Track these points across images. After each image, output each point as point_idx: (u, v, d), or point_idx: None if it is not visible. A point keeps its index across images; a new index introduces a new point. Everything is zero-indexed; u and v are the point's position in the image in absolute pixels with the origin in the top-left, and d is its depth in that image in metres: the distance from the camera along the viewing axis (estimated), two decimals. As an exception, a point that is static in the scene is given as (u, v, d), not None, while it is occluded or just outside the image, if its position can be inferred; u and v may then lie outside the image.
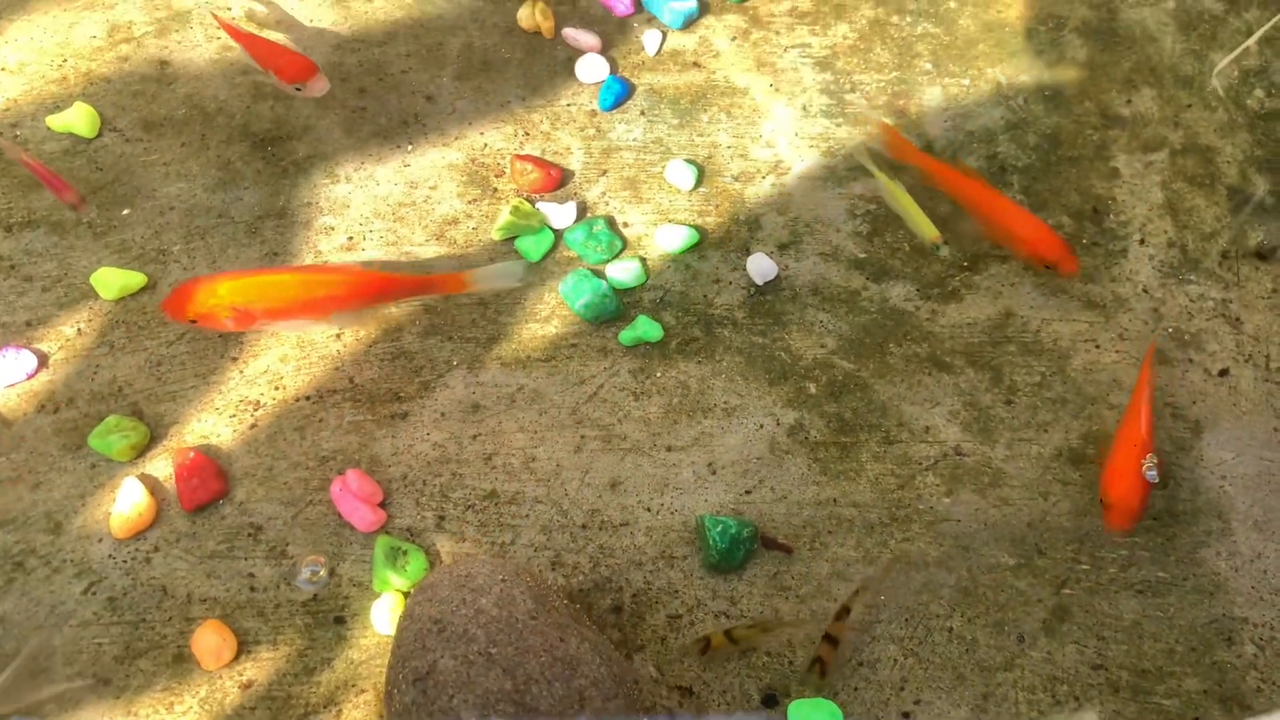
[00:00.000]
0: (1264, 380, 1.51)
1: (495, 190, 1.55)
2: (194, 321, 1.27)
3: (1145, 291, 1.56)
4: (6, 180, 1.47)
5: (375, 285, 1.34)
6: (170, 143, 1.52)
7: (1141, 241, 1.60)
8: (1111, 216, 1.61)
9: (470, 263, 1.48)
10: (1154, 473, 1.40)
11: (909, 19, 1.75)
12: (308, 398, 1.39)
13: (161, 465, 1.33)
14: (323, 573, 1.26)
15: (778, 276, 1.53)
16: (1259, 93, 1.74)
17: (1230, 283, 1.58)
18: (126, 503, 1.28)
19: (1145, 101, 1.71)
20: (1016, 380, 1.48)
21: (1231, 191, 1.65)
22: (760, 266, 1.52)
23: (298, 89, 1.47)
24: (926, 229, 1.46)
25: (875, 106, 1.65)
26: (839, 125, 1.65)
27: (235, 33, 1.52)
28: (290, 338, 1.41)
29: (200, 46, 1.60)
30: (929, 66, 1.71)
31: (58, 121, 1.50)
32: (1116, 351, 1.51)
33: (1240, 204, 1.64)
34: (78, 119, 1.50)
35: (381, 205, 1.52)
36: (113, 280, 1.40)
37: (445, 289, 1.38)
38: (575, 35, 1.66)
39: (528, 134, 1.59)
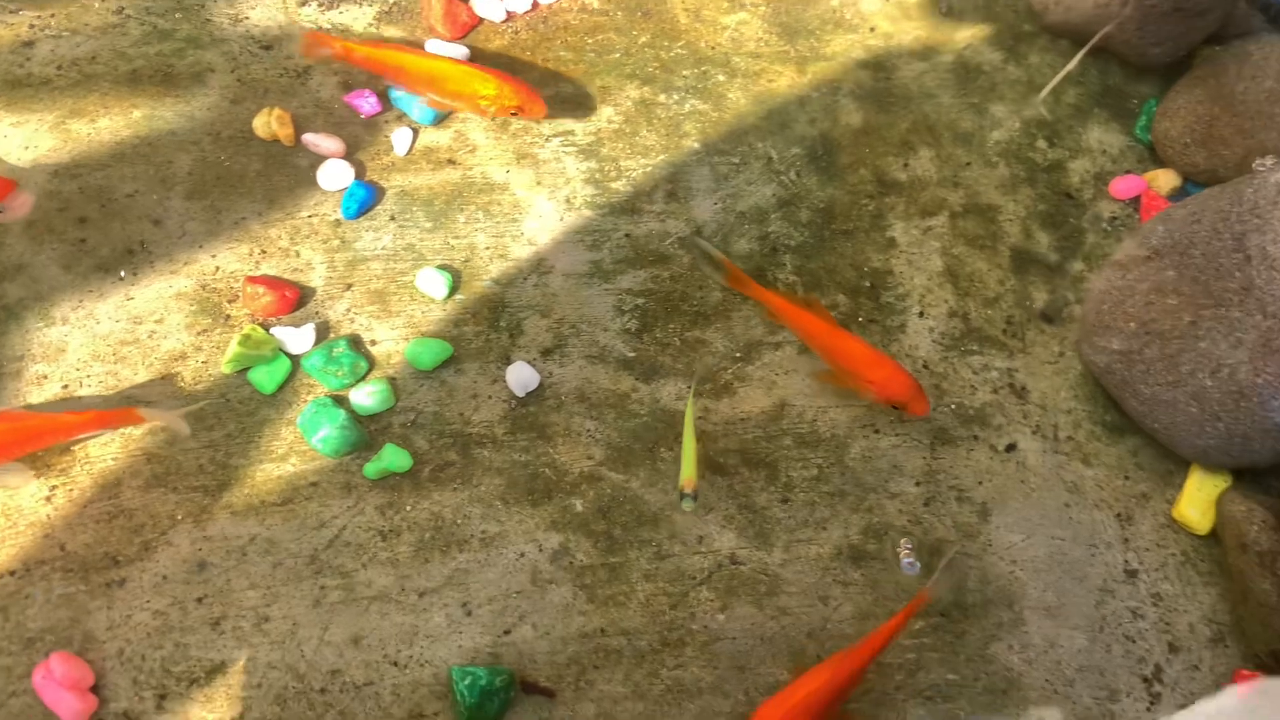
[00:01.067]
0: (1053, 452, 1.44)
1: (229, 318, 1.43)
2: None
3: (926, 367, 1.48)
4: None
5: (34, 429, 1.25)
6: None
7: (921, 314, 1.52)
8: (889, 290, 1.53)
9: (197, 400, 1.36)
10: (911, 560, 1.32)
11: (676, 97, 1.67)
12: (12, 573, 1.25)
13: None
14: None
15: (541, 385, 1.43)
16: (1041, 143, 1.69)
17: (1015, 350, 1.51)
18: None
19: (923, 164, 1.65)
20: (793, 476, 1.39)
21: (1015, 252, 1.59)
22: (521, 376, 1.42)
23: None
24: (686, 471, 1.30)
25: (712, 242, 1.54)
26: (605, 216, 1.56)
27: None
28: (-5, 505, 1.28)
29: (-102, 186, 1.46)
30: (697, 146, 1.63)
31: None
32: (896, 435, 1.43)
33: (1023, 264, 1.57)
34: None
35: (101, 346, 1.39)
36: None
37: (114, 424, 1.30)
38: (316, 141, 1.55)
39: (265, 252, 1.48)
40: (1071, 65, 1.67)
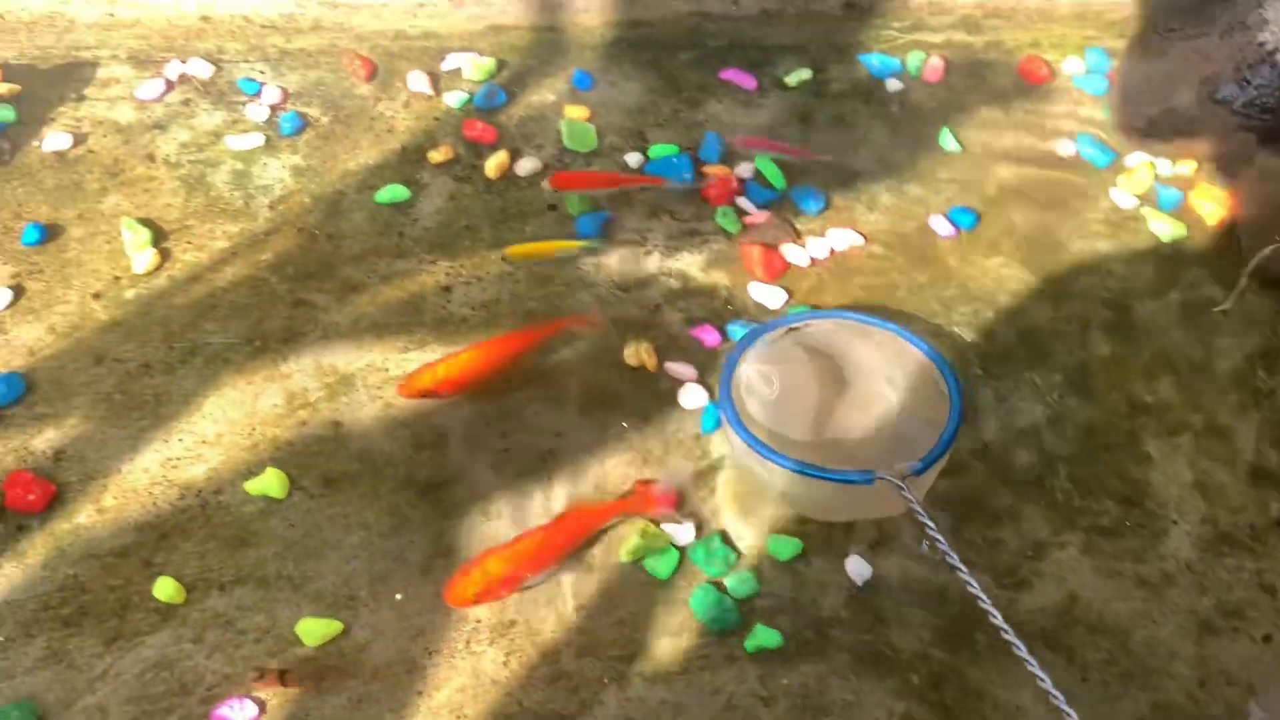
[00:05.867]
0: (1304, 642, 1.67)
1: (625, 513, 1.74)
2: (477, 601, 1.59)
3: (1188, 568, 1.73)
4: (216, 541, 1.66)
5: (598, 515, 1.70)
6: (348, 495, 1.72)
7: (1176, 521, 1.78)
8: (1150, 499, 1.79)
9: (607, 589, 1.66)
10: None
11: (955, 330, 1.97)
12: (486, 724, 1.55)
13: (370, 797, 1.49)
14: None
15: (873, 576, 1.70)
16: (1261, 373, 1.95)
17: (1260, 553, 1.75)
18: (345, 837, 1.43)
19: (1166, 389, 1.92)
20: (1088, 658, 1.64)
21: (1251, 467, 1.84)
22: (858, 568, 1.70)
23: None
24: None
25: None
26: (906, 431, 1.85)
27: None
28: (464, 668, 1.58)
29: (365, 406, 1.81)
30: (979, 372, 1.92)
31: (254, 486, 1.71)
32: (1174, 624, 1.67)
33: (1259, 477, 1.82)
34: (270, 482, 1.71)
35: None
36: (314, 629, 1.58)
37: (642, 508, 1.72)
38: (676, 368, 1.88)
39: (644, 460, 1.79)
40: (1244, 274, 1.96)
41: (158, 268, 1.95)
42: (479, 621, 1.62)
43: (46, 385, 1.80)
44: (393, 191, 2.08)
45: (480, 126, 2.18)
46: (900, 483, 1.55)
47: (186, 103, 2.22)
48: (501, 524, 1.72)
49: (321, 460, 1.76)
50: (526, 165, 2.14)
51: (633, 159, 2.17)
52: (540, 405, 1.84)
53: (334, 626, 1.60)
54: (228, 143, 2.14)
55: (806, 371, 1.76)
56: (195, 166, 2.10)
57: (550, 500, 1.74)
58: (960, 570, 1.50)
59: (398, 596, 1.62)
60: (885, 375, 1.77)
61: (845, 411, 1.76)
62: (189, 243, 1.99)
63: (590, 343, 1.91)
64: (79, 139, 2.14)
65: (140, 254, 1.94)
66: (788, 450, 1.63)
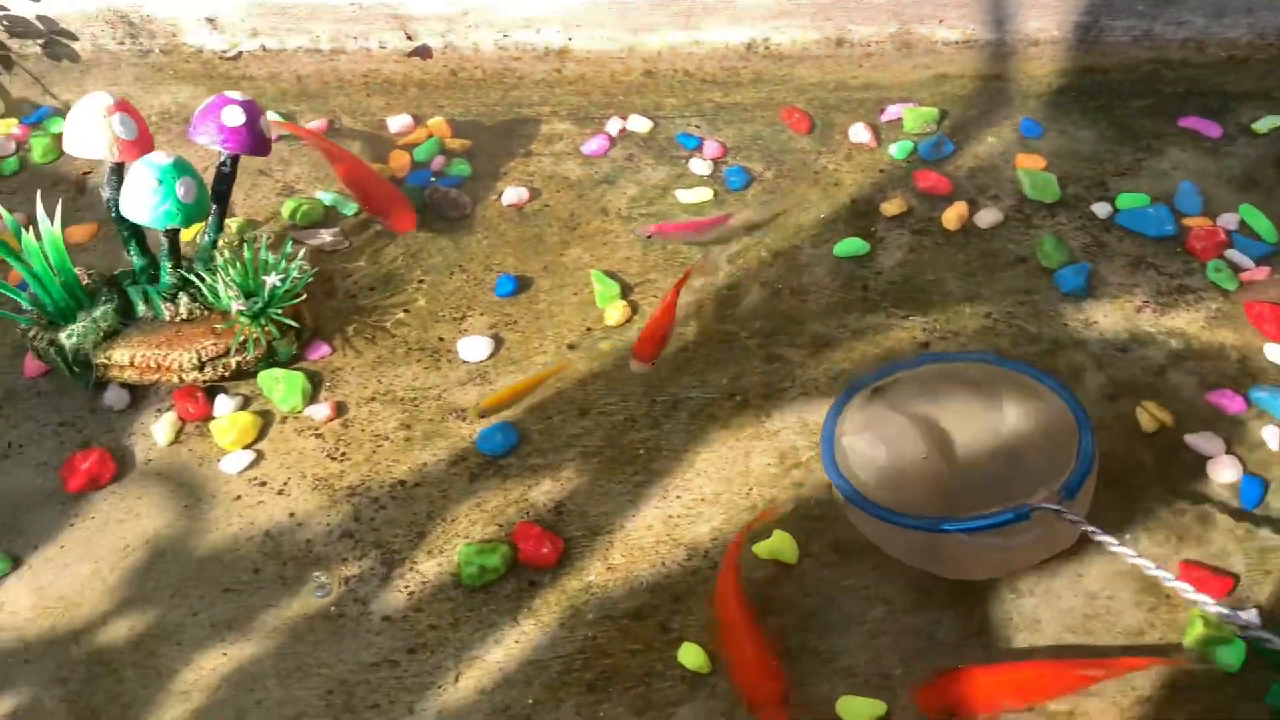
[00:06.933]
0: None
1: (1168, 597, 1.54)
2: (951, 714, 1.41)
3: None
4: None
5: (1116, 667, 1.46)
6: (861, 566, 1.59)
7: None
8: None
9: (1172, 682, 1.46)
10: None
11: None
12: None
13: None
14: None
15: None
16: None
17: None
18: None
19: None
20: None
21: None
22: None
23: None
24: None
25: None
26: None
27: None
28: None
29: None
30: None
31: (764, 548, 1.59)
32: None
33: None
34: (782, 546, 1.59)
35: (1069, 618, 1.52)
36: (858, 709, 1.44)
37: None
38: (1197, 440, 1.68)
39: (1180, 538, 1.59)
40: None
41: (627, 320, 1.89)
42: (1029, 710, 1.44)
43: (537, 436, 1.74)
44: (850, 245, 1.97)
45: (934, 178, 2.06)
46: (1059, 507, 1.42)
47: (630, 157, 2.19)
48: (1035, 603, 1.54)
49: (825, 525, 1.63)
50: (987, 217, 2.00)
51: (1100, 209, 2.01)
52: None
53: (878, 707, 1.45)
54: (677, 196, 2.09)
55: (907, 434, 1.58)
56: (649, 220, 2.05)
57: (1081, 576, 1.56)
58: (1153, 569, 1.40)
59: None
60: (989, 411, 1.60)
61: (961, 461, 1.58)
62: (654, 296, 1.93)
63: (1091, 404, 1.73)
64: (534, 193, 2.13)
65: (611, 306, 1.89)
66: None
